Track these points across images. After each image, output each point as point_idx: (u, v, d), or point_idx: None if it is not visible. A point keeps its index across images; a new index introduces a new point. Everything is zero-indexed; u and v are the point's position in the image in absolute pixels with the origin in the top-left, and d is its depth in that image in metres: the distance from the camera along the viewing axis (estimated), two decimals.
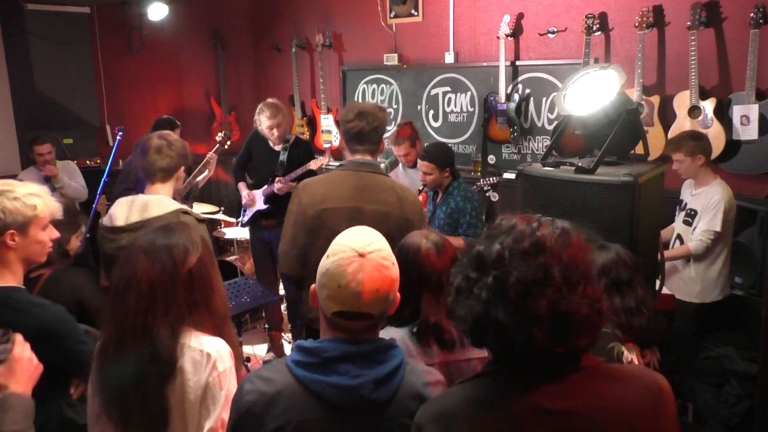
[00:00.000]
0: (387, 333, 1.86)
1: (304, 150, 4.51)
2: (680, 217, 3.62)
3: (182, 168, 2.58)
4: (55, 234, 1.99)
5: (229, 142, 4.55)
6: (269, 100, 4.46)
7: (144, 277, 1.58)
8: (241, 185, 4.68)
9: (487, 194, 4.49)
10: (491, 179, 4.48)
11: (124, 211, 2.40)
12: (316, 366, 1.33)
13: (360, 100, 5.83)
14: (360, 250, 1.33)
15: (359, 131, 2.55)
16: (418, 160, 3.56)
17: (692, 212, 3.51)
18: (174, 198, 2.54)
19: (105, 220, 2.46)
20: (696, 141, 3.46)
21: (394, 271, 1.37)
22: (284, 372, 1.35)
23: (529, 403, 1.10)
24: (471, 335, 1.16)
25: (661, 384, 1.17)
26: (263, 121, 4.35)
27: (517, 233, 1.13)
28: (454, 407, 1.16)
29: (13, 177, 2.23)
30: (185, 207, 2.48)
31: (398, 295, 1.40)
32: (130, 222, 2.35)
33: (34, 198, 1.89)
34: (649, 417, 1.12)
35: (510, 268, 1.08)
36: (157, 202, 2.41)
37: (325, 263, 1.35)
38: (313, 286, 1.39)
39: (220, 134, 4.55)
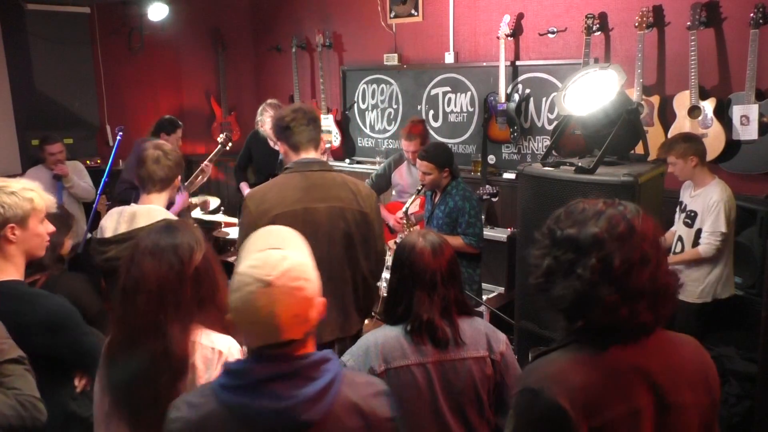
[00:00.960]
0: (382, 331, 1.87)
1: None
2: (680, 218, 3.62)
3: (179, 177, 2.61)
4: (51, 227, 2.03)
5: (230, 144, 4.54)
6: (271, 100, 4.46)
7: (152, 277, 1.58)
8: (243, 185, 4.68)
9: (493, 200, 4.50)
10: (491, 189, 4.49)
11: (113, 223, 2.42)
12: (243, 389, 1.24)
13: (360, 100, 5.84)
14: (265, 279, 1.20)
15: (297, 125, 2.47)
16: (417, 161, 3.55)
17: (692, 213, 3.50)
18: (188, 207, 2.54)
19: (96, 232, 2.48)
20: (687, 142, 3.44)
21: (310, 286, 1.26)
22: (211, 397, 1.27)
23: (624, 361, 1.24)
24: (569, 311, 1.26)
25: (700, 344, 1.38)
26: (268, 122, 4.34)
27: (611, 217, 1.24)
28: (564, 368, 1.24)
29: (14, 176, 2.23)
30: (173, 216, 2.48)
31: (323, 300, 1.30)
32: (118, 233, 2.37)
33: (29, 192, 1.93)
34: (702, 371, 1.32)
35: (612, 250, 1.20)
36: (145, 212, 2.41)
37: (232, 299, 1.24)
38: (228, 315, 1.30)
39: (221, 136, 4.54)
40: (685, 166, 3.43)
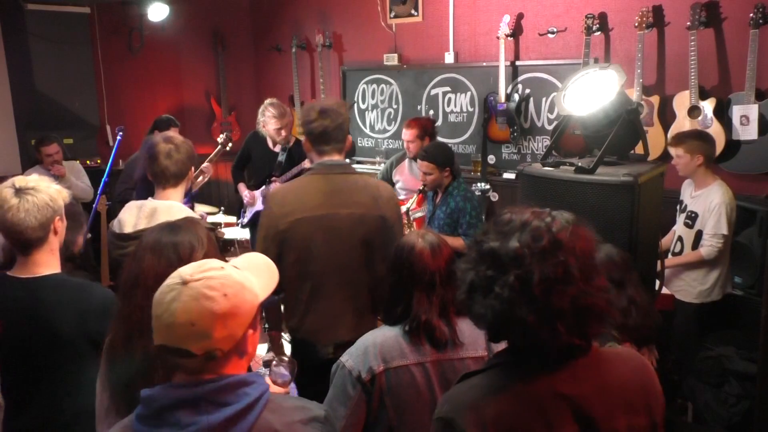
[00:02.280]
0: (380, 332, 1.87)
1: (303, 150, 4.50)
2: (681, 218, 3.62)
3: (192, 169, 2.58)
4: None
5: (230, 144, 4.53)
6: (271, 99, 4.44)
7: (150, 273, 1.58)
8: (241, 186, 4.68)
9: (486, 195, 4.50)
10: (482, 185, 4.50)
11: (132, 218, 2.39)
12: (150, 418, 1.17)
13: (360, 100, 5.84)
14: (186, 277, 1.16)
15: (324, 130, 2.42)
16: (418, 160, 3.56)
17: (693, 214, 3.50)
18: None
19: (114, 226, 2.44)
20: (699, 141, 3.43)
21: (222, 304, 1.14)
22: (128, 427, 1.21)
23: (547, 389, 1.16)
24: (490, 332, 1.18)
25: (644, 361, 1.30)
26: (270, 122, 4.33)
27: (534, 231, 1.14)
28: (480, 397, 1.17)
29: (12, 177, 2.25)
30: (194, 214, 2.46)
31: (249, 332, 1.21)
32: (138, 229, 2.34)
33: (56, 184, 2.01)
34: (641, 391, 1.23)
35: (532, 267, 1.11)
36: (166, 208, 2.38)
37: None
38: None
39: (222, 136, 4.53)
40: (690, 162, 3.42)
